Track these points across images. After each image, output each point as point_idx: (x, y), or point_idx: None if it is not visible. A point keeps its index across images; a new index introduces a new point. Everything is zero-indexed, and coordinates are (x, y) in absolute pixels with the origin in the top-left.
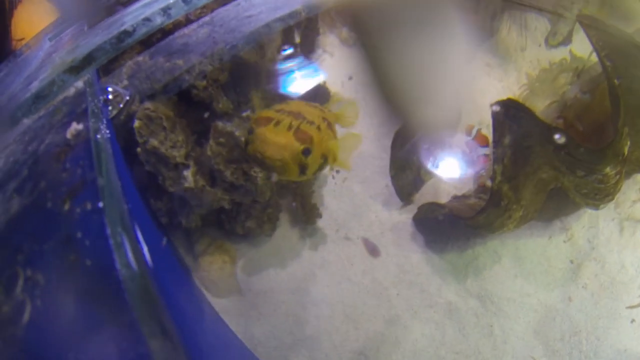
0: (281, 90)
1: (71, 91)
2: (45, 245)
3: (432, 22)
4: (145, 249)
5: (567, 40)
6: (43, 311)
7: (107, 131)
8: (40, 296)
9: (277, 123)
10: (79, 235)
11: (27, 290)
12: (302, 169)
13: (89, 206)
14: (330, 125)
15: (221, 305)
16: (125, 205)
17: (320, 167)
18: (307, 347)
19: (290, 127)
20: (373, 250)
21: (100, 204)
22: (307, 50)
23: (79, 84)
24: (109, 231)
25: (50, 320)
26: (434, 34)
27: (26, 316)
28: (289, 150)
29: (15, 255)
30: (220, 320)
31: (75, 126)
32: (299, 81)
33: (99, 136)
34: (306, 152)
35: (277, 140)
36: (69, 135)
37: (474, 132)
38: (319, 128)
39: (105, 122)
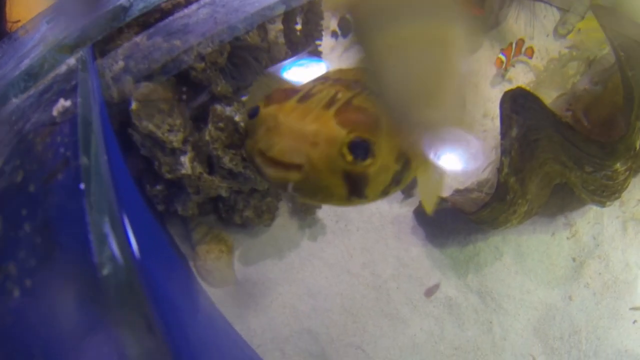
0: (283, 76)
1: (63, 69)
2: (21, 232)
3: (433, 9)
4: (133, 240)
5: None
6: (14, 306)
7: (98, 109)
8: (11, 289)
9: (306, 97)
10: (57, 220)
11: None
12: (354, 185)
13: (69, 188)
14: None
15: (217, 295)
16: (112, 190)
17: (396, 180)
18: (303, 339)
19: (330, 102)
20: (429, 292)
21: (82, 186)
22: (309, 35)
23: (71, 61)
24: (88, 218)
25: (22, 315)
26: (434, 22)
27: None
28: (321, 143)
29: None
30: (217, 311)
31: (63, 103)
32: (301, 67)
33: (87, 113)
34: (359, 147)
35: (297, 125)
36: (55, 112)
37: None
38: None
39: (96, 100)
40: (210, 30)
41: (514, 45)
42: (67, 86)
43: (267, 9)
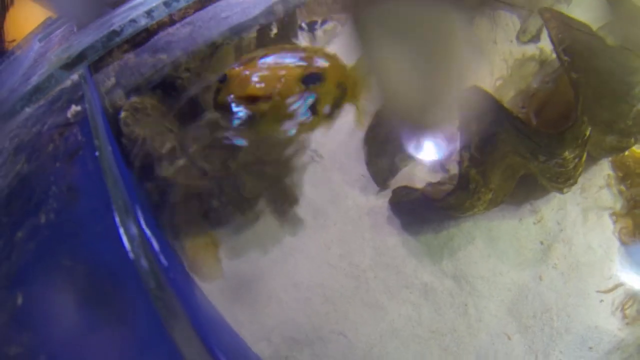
0: None
1: (67, 83)
2: (50, 192)
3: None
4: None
5: (536, 37)
6: (44, 226)
7: (100, 115)
8: (39, 219)
9: (273, 60)
10: (78, 182)
11: (30, 236)
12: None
13: (87, 159)
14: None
15: (206, 289)
16: (119, 177)
17: (337, 103)
18: (288, 329)
19: (297, 59)
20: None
21: (97, 153)
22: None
23: (75, 77)
24: (104, 167)
25: (52, 234)
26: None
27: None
28: (286, 77)
29: (26, 203)
30: (209, 302)
31: (75, 107)
32: None
33: (94, 114)
34: (312, 78)
35: (266, 72)
36: (69, 115)
37: None
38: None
39: (98, 108)
40: (191, 46)
41: None
42: (75, 96)
43: (238, 26)
